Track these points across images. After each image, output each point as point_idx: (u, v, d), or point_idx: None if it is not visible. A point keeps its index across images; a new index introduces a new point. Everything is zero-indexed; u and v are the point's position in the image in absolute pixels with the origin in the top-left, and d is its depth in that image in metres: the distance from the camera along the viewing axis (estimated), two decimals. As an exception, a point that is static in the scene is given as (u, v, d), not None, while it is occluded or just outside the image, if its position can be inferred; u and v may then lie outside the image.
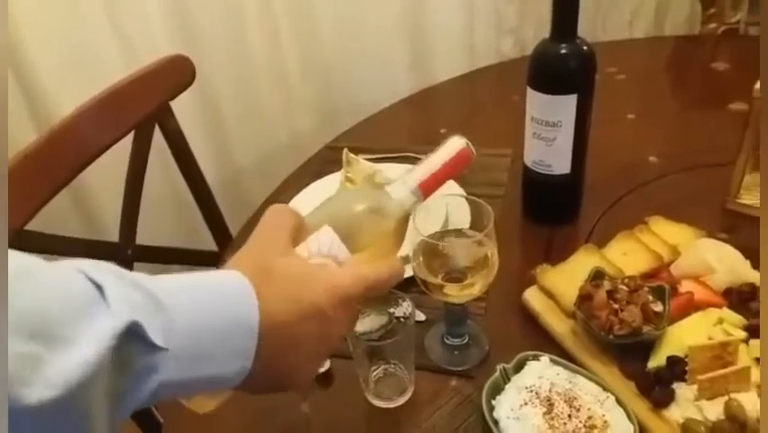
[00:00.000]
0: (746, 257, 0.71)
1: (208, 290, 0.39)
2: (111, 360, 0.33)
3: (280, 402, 0.67)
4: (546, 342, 0.69)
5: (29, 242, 0.79)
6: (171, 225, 1.25)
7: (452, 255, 0.62)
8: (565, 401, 0.58)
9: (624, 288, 0.65)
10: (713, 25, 1.65)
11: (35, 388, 0.30)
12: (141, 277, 0.37)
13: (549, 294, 0.72)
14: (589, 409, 0.57)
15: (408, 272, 0.73)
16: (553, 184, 0.82)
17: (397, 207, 0.51)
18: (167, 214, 1.25)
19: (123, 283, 0.35)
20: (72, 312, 0.32)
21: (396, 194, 0.52)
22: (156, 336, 0.35)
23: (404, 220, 0.52)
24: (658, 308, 0.64)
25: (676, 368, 0.60)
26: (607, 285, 0.65)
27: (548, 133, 0.78)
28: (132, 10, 1.09)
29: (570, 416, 0.57)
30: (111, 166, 0.92)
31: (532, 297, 0.73)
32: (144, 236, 0.98)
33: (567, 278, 0.71)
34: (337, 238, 0.47)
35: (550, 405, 0.58)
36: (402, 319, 0.65)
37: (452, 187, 0.91)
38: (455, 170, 0.53)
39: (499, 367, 0.63)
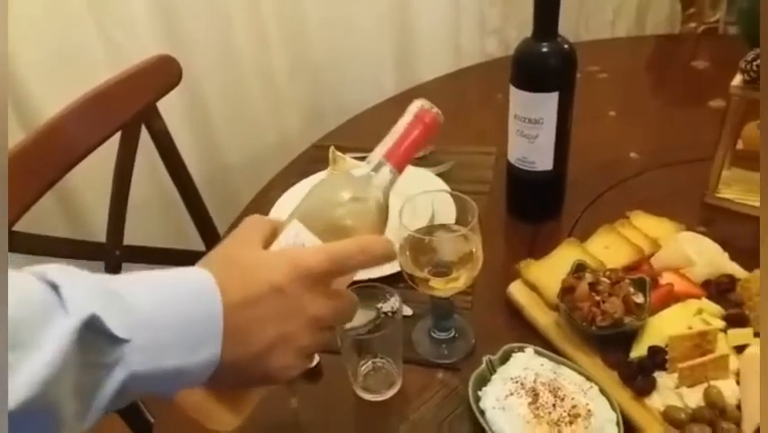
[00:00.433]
0: (725, 249, 0.73)
1: (168, 282, 0.39)
2: (75, 356, 0.33)
3: (269, 397, 0.67)
4: (531, 334, 0.70)
5: (16, 243, 0.79)
6: (159, 226, 1.25)
7: (438, 250, 0.63)
8: (550, 391, 0.59)
9: (606, 280, 0.66)
10: (693, 25, 1.68)
11: (11, 394, 0.31)
12: (99, 275, 0.37)
13: (533, 288, 0.74)
14: (573, 398, 0.59)
15: (395, 268, 0.74)
16: (536, 180, 0.83)
17: (366, 184, 0.49)
18: (154, 214, 1.25)
19: (81, 280, 0.36)
20: (31, 316, 0.33)
21: (360, 171, 0.50)
22: (117, 329, 0.35)
23: (378, 198, 0.50)
24: (639, 299, 0.65)
25: (657, 357, 0.62)
26: (589, 278, 0.67)
27: (531, 130, 0.79)
28: (118, 11, 1.09)
29: (554, 405, 0.58)
30: (98, 167, 0.92)
31: (516, 290, 0.74)
32: (132, 237, 0.98)
33: (550, 271, 0.73)
34: (304, 229, 0.46)
35: (535, 395, 0.59)
36: (390, 314, 0.66)
37: (438, 185, 0.92)
38: (421, 133, 0.50)
39: (485, 359, 0.64)
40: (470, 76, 1.34)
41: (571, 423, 0.57)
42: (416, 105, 0.51)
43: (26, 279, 0.35)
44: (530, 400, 0.59)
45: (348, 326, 0.65)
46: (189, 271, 0.41)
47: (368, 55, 1.42)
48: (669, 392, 0.60)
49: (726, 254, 0.72)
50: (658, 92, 1.25)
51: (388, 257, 0.46)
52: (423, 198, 0.68)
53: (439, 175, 0.96)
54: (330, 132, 1.15)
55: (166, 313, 0.38)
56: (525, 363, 0.63)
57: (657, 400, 0.60)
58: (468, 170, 0.99)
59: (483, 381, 0.62)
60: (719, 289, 0.69)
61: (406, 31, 1.44)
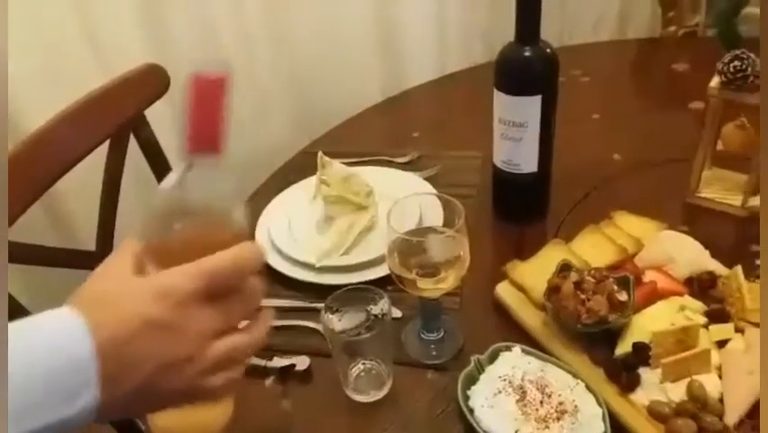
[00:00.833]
0: (706, 247, 0.74)
1: (31, 335, 0.37)
2: None
3: (261, 399, 0.68)
4: (518, 333, 0.71)
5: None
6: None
7: (426, 251, 0.64)
8: (537, 389, 0.60)
9: (590, 279, 0.68)
10: (673, 28, 1.70)
11: None
12: None
13: (520, 288, 0.75)
14: (560, 395, 0.60)
15: (384, 271, 0.75)
16: (521, 182, 0.85)
17: (183, 191, 0.44)
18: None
19: None
20: None
21: (171, 182, 0.44)
22: None
23: (207, 199, 0.45)
24: (623, 297, 0.66)
25: (641, 354, 0.63)
26: (574, 276, 0.68)
27: (515, 133, 0.80)
28: (106, 20, 1.09)
29: (542, 402, 0.59)
30: (86, 175, 0.92)
31: (504, 291, 0.76)
32: (121, 245, 0.98)
33: (536, 272, 0.74)
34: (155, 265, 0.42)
35: (523, 393, 0.60)
36: (379, 316, 0.67)
37: (426, 188, 0.93)
38: (202, 101, 0.46)
39: (474, 359, 0.65)
40: (455, 81, 1.35)
41: (558, 419, 0.58)
42: (191, 78, 0.45)
43: None
44: (518, 397, 0.60)
45: (339, 328, 0.66)
46: (55, 317, 0.38)
47: (354, 61, 1.43)
48: (653, 388, 0.61)
49: (708, 252, 0.74)
50: (640, 94, 1.27)
51: (260, 259, 0.44)
52: (411, 201, 0.69)
53: (426, 179, 0.97)
54: (317, 139, 1.16)
55: (31, 372, 0.35)
56: (513, 362, 0.64)
57: (642, 396, 0.61)
58: (455, 174, 1.00)
59: (472, 380, 0.63)
60: (701, 286, 0.71)
61: (392, 37, 1.45)
